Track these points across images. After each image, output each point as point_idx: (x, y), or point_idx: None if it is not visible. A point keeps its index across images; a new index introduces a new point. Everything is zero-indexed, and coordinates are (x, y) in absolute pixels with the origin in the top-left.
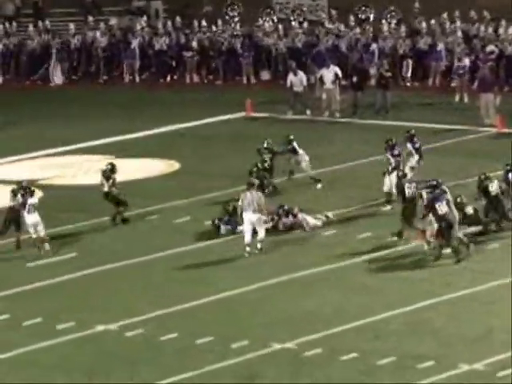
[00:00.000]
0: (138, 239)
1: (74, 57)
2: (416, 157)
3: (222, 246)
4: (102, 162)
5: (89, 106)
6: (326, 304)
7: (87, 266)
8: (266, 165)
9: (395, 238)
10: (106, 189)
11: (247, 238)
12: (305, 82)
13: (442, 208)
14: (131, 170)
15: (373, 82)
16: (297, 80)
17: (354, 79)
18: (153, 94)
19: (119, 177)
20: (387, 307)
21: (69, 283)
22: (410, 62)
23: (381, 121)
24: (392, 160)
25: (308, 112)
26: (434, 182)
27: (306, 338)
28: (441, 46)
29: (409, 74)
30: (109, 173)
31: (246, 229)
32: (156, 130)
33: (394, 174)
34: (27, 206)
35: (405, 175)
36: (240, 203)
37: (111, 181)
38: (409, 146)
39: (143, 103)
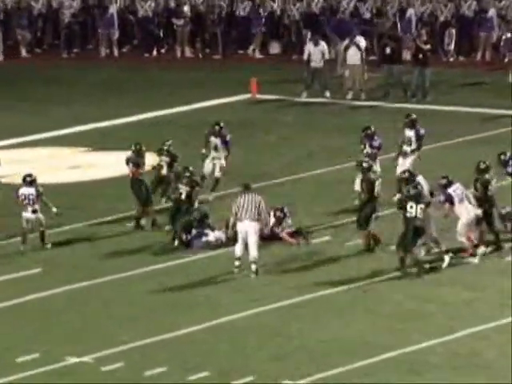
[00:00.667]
0: (118, 251)
1: (38, 26)
2: (414, 146)
3: (219, 261)
4: (74, 155)
5: (56, 86)
6: (348, 331)
7: (54, 283)
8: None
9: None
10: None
11: (239, 250)
12: (327, 55)
13: (412, 210)
14: (110, 164)
15: (408, 56)
16: (317, 52)
17: (388, 50)
18: (135, 71)
19: (96, 174)
20: (425, 335)
21: (31, 305)
22: (454, 31)
23: (417, 105)
24: (370, 151)
25: (327, 93)
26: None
27: (324, 373)
28: (491, 13)
29: (452, 47)
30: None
31: (239, 239)
32: (140, 117)
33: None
34: None
35: (370, 167)
36: (234, 210)
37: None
38: (410, 133)
39: (123, 83)
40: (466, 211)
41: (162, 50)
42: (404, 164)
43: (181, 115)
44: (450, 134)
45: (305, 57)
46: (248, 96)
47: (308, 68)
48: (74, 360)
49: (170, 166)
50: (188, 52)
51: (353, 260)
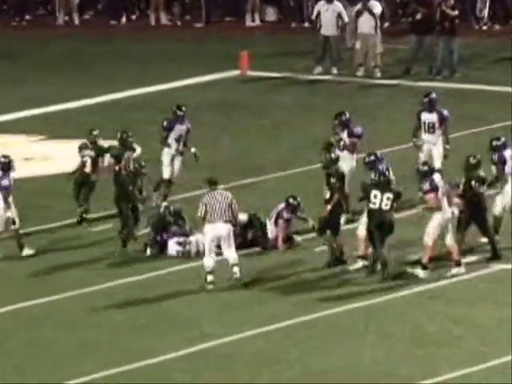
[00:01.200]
0: (79, 261)
1: None
2: (438, 131)
3: (201, 272)
4: (26, 145)
5: (3, 61)
6: (359, 359)
7: (4, 301)
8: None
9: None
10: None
11: (210, 261)
12: (345, 18)
13: (376, 200)
14: (70, 156)
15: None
16: (329, 14)
17: (418, 16)
18: (100, 43)
19: (54, 167)
20: (453, 364)
21: None
22: None
23: (443, 83)
24: (347, 141)
25: (334, 70)
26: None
27: None
28: None
29: (485, 13)
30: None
31: (208, 247)
32: (104, 98)
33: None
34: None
35: (337, 159)
36: (203, 210)
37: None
38: (431, 116)
39: (86, 57)
40: (444, 209)
41: (133, 17)
42: (429, 154)
43: (156, 96)
44: (482, 117)
45: (314, 16)
46: (237, 73)
47: (319, 35)
48: None
49: (95, 162)
50: (164, 19)
51: (363, 272)
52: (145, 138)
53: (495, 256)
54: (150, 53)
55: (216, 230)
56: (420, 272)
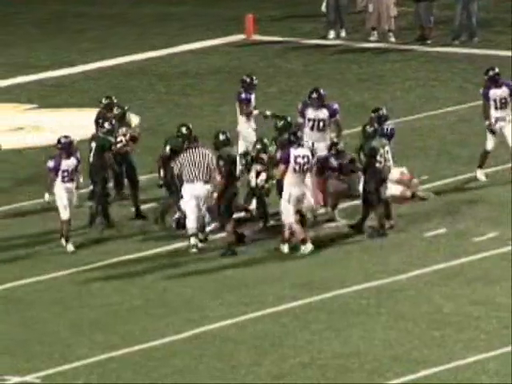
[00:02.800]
0: (78, 237)
1: None
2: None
3: (203, 251)
4: (16, 114)
5: None
6: (372, 343)
7: None
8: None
9: None
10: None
11: (191, 223)
12: None
13: (382, 159)
14: (63, 126)
15: None
16: None
17: None
18: (95, 4)
19: (46, 138)
20: (473, 347)
21: None
22: None
23: (462, 48)
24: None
25: (343, 33)
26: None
27: None
28: None
29: None
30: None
31: (190, 207)
32: (98, 64)
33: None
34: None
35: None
36: (178, 167)
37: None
38: (500, 91)
39: (79, 19)
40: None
41: None
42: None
43: (155, 62)
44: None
45: None
46: (242, 37)
47: None
48: (15, 380)
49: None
50: None
51: (376, 250)
52: (142, 106)
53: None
54: (149, 16)
55: (195, 190)
56: (284, 247)
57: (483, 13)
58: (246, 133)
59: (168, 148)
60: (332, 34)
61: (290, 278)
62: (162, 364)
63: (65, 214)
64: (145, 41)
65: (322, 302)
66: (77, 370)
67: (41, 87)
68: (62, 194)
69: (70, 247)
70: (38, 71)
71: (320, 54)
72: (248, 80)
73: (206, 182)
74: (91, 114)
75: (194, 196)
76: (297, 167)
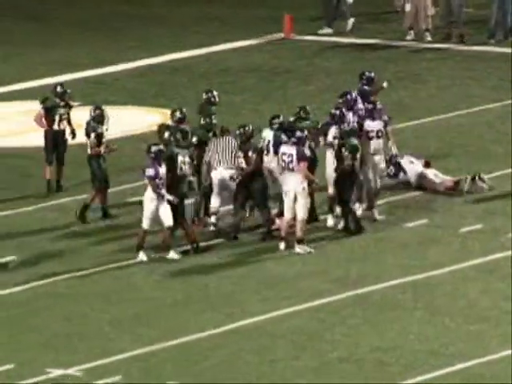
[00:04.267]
0: (118, 235)
1: None
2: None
3: (242, 246)
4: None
5: (36, 24)
6: (409, 337)
7: (33, 276)
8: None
9: None
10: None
11: (215, 202)
12: None
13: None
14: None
15: None
16: None
17: None
18: (133, 5)
19: (82, 136)
20: (509, 341)
21: (4, 304)
22: None
23: (497, 47)
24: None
25: (350, 23)
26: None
27: None
28: None
29: None
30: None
31: (215, 190)
32: (143, 62)
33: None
34: None
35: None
36: (209, 155)
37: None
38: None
39: (119, 20)
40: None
41: None
42: None
43: (196, 60)
44: None
45: None
46: (281, 36)
47: None
48: (57, 372)
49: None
50: None
51: (413, 245)
52: (183, 103)
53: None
54: (190, 15)
55: (219, 175)
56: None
57: None
58: None
59: (195, 139)
60: (326, 30)
61: (327, 273)
62: (201, 358)
63: (146, 224)
64: (185, 40)
65: (359, 296)
66: (117, 364)
67: (83, 85)
68: (150, 204)
69: (143, 256)
70: (79, 70)
71: (357, 52)
72: None
73: (231, 167)
74: (132, 111)
75: (219, 180)
76: (283, 164)
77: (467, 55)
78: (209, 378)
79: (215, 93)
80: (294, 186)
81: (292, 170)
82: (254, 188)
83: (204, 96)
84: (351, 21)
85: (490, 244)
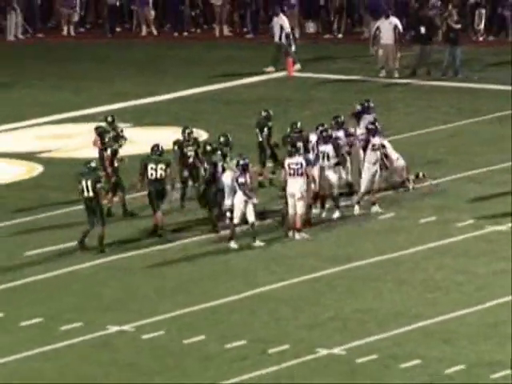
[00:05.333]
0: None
1: (82, 5)
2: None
3: (249, 235)
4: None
5: (98, 64)
6: (381, 302)
7: (97, 255)
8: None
9: None
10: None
11: (228, 201)
12: (286, 29)
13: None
14: (150, 140)
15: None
16: (387, 27)
17: (423, 30)
18: (174, 50)
19: (134, 150)
20: (458, 305)
21: (75, 276)
22: (483, 11)
23: (449, 82)
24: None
25: (297, 67)
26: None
27: (357, 342)
28: None
29: (482, 27)
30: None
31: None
32: (178, 94)
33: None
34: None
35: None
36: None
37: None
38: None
39: (162, 61)
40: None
41: (196, 30)
42: None
43: (219, 92)
44: (481, 110)
45: (373, 32)
46: (284, 74)
47: (377, 44)
48: (115, 329)
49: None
50: (226, 31)
51: (385, 232)
52: (209, 125)
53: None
54: (216, 58)
55: (227, 178)
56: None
57: (464, 56)
58: None
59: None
60: (269, 68)
61: (320, 254)
62: (225, 318)
63: (237, 219)
64: (212, 76)
65: (344, 271)
66: (161, 322)
67: (134, 110)
68: (240, 204)
69: (234, 245)
70: (132, 98)
71: (343, 85)
72: None
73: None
74: (172, 130)
75: (230, 182)
76: (291, 171)
77: (426, 88)
78: (231, 333)
79: (271, 111)
80: (298, 188)
81: (300, 175)
82: (209, 192)
83: (263, 114)
84: (298, 65)
85: (442, 231)
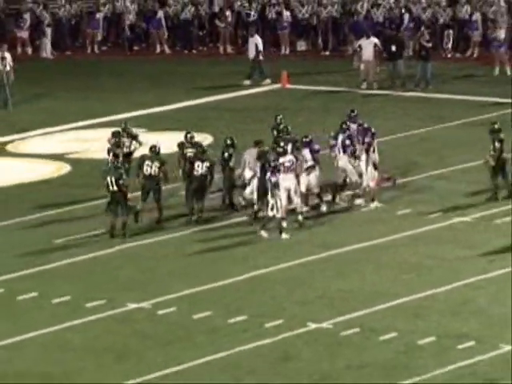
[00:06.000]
0: (174, 214)
1: (104, 27)
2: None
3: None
4: None
5: (120, 77)
6: (364, 282)
7: (117, 242)
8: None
9: None
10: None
11: (249, 193)
12: (260, 47)
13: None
14: (161, 143)
15: (409, 51)
16: (368, 45)
17: (393, 48)
18: (184, 66)
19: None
20: (429, 286)
21: (99, 260)
22: (451, 32)
23: (421, 93)
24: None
25: (267, 81)
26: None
27: (342, 317)
28: (476, 16)
29: (450, 45)
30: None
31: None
32: (188, 103)
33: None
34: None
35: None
36: (245, 157)
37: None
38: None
39: (172, 75)
40: None
41: (203, 48)
42: None
43: (224, 101)
44: (448, 117)
45: (357, 50)
46: (280, 86)
47: (359, 61)
48: (134, 306)
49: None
50: (229, 49)
51: (366, 223)
52: (215, 130)
53: None
54: (221, 72)
55: (248, 174)
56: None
57: (435, 70)
58: None
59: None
60: (246, 81)
61: (312, 241)
62: (231, 295)
63: (281, 213)
64: (217, 87)
65: (331, 256)
66: (174, 300)
67: (148, 118)
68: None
69: (265, 234)
70: (148, 107)
71: (330, 96)
72: None
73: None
74: (181, 135)
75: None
76: (285, 169)
77: (402, 98)
78: (233, 309)
79: (280, 115)
80: (292, 182)
81: (292, 171)
82: (193, 187)
83: (278, 119)
84: (268, 80)
85: (416, 222)
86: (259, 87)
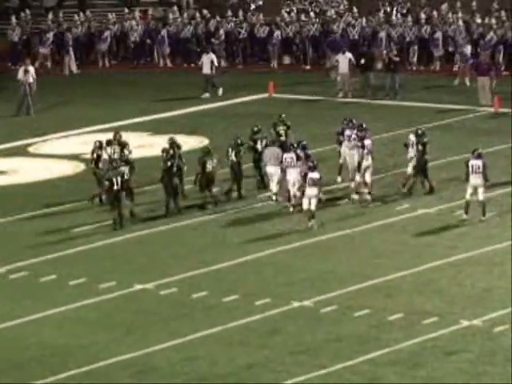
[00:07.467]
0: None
1: (113, 43)
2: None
3: (248, 212)
4: (139, 138)
5: (128, 87)
6: (341, 266)
7: (126, 231)
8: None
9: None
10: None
11: (272, 187)
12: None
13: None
14: (164, 144)
15: (379, 65)
16: (344, 60)
17: (362, 61)
18: (185, 77)
19: (152, 152)
20: (398, 269)
21: (109, 248)
22: (416, 48)
23: (390, 101)
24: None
25: (220, 91)
26: None
27: (322, 296)
28: (438, 35)
29: (415, 59)
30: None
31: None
32: (188, 110)
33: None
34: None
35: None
36: (266, 157)
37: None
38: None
39: (174, 85)
40: None
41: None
42: None
43: (219, 108)
44: (414, 122)
45: (333, 63)
46: (267, 95)
47: (336, 73)
48: (139, 287)
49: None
50: (223, 62)
51: (343, 215)
52: (212, 133)
53: None
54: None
55: (270, 170)
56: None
57: (402, 81)
58: None
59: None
60: (206, 95)
61: (301, 231)
62: (223, 278)
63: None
64: (214, 96)
65: (317, 242)
66: (175, 281)
67: (153, 123)
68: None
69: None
70: (154, 113)
71: (311, 104)
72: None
73: (275, 165)
74: (182, 137)
75: (269, 173)
76: (287, 164)
77: (373, 105)
78: (227, 289)
79: (283, 115)
80: (295, 176)
81: (293, 166)
82: (170, 183)
83: (279, 118)
84: (220, 90)
85: (386, 213)
86: (250, 96)
